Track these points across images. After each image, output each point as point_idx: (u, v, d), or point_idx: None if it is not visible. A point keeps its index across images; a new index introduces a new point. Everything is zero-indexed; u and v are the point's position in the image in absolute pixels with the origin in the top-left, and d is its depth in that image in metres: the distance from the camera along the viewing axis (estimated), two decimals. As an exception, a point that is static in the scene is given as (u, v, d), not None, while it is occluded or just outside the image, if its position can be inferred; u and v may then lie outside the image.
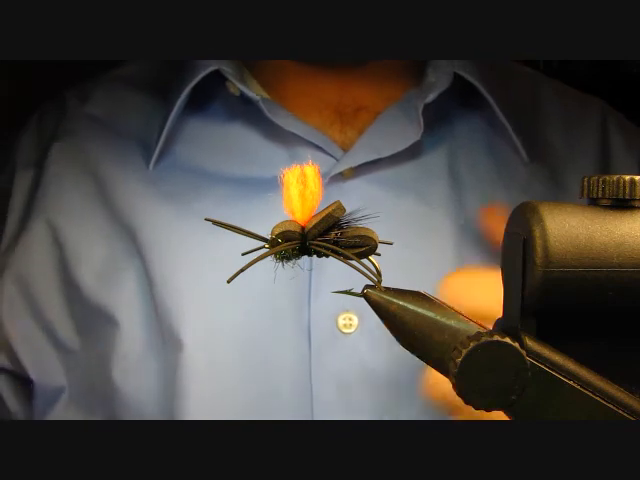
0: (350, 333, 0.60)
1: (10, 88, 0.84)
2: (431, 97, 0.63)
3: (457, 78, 0.65)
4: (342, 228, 0.27)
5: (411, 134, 0.64)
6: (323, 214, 0.26)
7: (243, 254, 0.26)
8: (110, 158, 0.65)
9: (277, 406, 0.59)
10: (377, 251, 0.27)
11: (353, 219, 0.27)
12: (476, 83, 0.64)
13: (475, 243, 0.64)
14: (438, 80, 0.65)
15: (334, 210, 0.26)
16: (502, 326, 0.29)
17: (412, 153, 0.65)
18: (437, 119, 0.67)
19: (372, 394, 0.59)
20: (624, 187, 0.26)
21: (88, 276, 0.61)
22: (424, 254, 0.63)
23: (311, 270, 0.59)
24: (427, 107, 0.64)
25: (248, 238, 0.27)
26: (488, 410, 0.25)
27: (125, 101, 0.69)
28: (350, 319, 0.60)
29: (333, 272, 0.58)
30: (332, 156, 0.62)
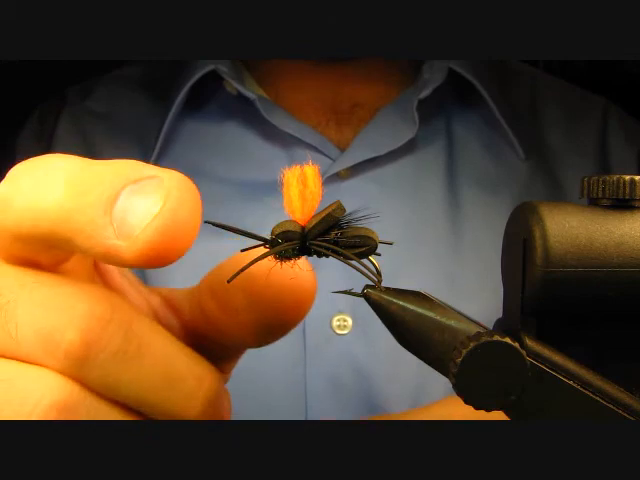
0: (344, 334, 0.60)
1: (10, 88, 0.84)
2: (425, 93, 0.64)
3: (454, 75, 0.65)
4: (342, 228, 0.27)
5: (406, 131, 0.64)
6: (323, 214, 0.26)
7: (242, 250, 0.27)
8: (110, 155, 0.65)
9: (271, 406, 0.59)
10: (377, 251, 0.27)
11: (353, 219, 0.27)
12: (470, 77, 0.65)
13: (472, 239, 0.64)
14: (433, 76, 0.65)
15: (334, 210, 0.26)
16: (502, 326, 0.29)
17: (409, 150, 0.65)
18: (434, 116, 0.67)
19: (365, 395, 0.59)
20: (624, 187, 0.26)
21: None
22: (420, 251, 0.63)
23: None
24: (423, 104, 0.64)
25: (247, 239, 0.27)
26: (488, 410, 0.25)
27: (124, 100, 0.69)
28: (344, 320, 0.60)
29: (328, 273, 0.58)
30: (328, 156, 0.62)
